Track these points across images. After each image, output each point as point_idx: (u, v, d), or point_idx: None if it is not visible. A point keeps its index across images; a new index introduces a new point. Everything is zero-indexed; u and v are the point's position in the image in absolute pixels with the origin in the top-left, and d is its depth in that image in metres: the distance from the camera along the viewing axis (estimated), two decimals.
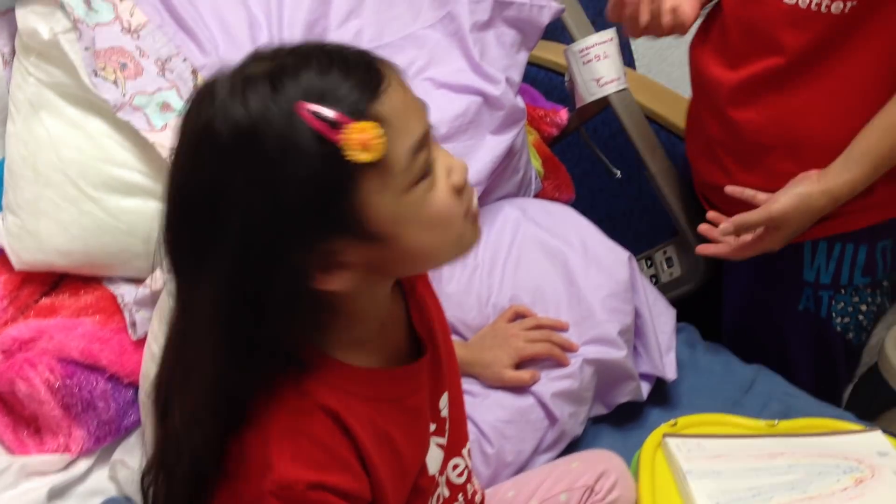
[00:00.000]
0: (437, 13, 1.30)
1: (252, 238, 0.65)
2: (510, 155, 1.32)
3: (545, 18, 1.33)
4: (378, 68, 0.69)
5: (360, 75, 0.67)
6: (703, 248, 1.23)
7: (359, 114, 0.65)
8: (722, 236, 1.19)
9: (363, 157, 0.65)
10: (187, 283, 0.70)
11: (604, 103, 1.40)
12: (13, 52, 1.13)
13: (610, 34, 1.38)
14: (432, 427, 0.82)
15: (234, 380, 0.70)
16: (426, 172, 0.70)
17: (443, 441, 0.84)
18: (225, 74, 0.68)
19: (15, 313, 1.09)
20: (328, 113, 0.64)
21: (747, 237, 1.17)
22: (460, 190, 0.73)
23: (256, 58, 0.69)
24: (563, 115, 1.50)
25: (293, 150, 0.64)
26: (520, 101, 1.31)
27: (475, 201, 0.76)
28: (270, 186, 0.65)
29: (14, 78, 1.12)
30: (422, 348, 0.82)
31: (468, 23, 1.28)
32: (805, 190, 1.13)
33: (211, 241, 0.66)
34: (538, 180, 1.43)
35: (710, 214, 1.22)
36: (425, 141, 0.70)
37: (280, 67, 0.67)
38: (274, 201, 0.65)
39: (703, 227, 1.22)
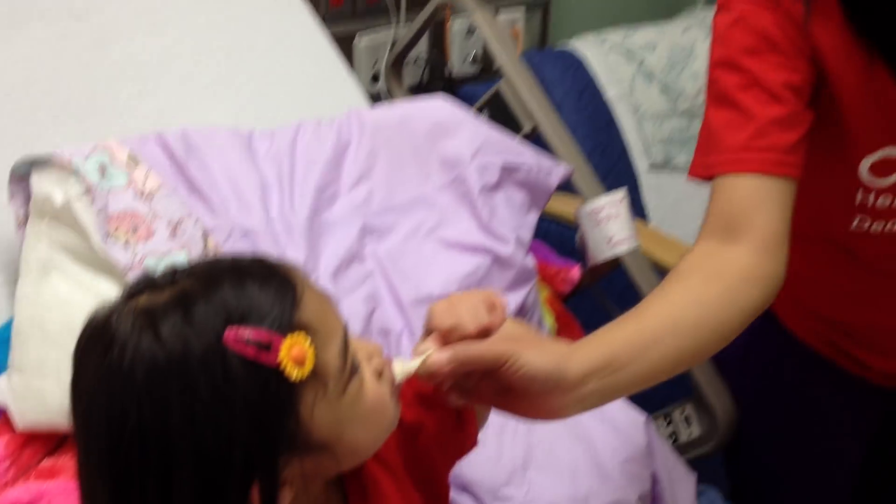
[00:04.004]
0: (446, 176, 1.31)
1: (196, 481, 0.60)
2: (521, 313, 1.30)
3: (554, 181, 1.34)
4: (286, 274, 0.66)
5: (275, 285, 0.64)
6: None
7: (286, 327, 0.62)
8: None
9: (299, 373, 0.62)
10: None
11: (616, 261, 1.40)
12: (27, 216, 1.15)
13: (620, 195, 1.39)
14: None
15: None
16: (354, 369, 0.68)
17: None
18: (117, 307, 0.63)
19: (16, 474, 1.06)
20: (258, 336, 0.60)
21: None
22: (381, 372, 0.71)
23: (149, 284, 0.64)
24: (576, 272, 1.50)
25: (225, 385, 0.60)
26: (530, 261, 1.31)
27: (392, 371, 0.73)
28: (205, 428, 0.59)
29: (27, 239, 1.13)
30: None
31: (477, 185, 1.29)
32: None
33: (157, 495, 0.61)
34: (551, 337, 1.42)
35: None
36: (347, 338, 0.68)
37: (185, 293, 0.62)
38: (212, 443, 0.60)
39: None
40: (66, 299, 1.09)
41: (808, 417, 1.31)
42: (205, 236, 1.16)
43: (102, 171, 1.14)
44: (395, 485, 0.81)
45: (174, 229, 1.15)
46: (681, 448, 1.36)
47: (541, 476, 1.14)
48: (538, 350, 0.76)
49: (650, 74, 2.21)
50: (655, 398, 1.48)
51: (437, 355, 0.75)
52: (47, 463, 1.05)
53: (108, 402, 0.61)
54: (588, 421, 1.21)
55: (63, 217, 1.11)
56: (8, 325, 1.13)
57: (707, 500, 1.29)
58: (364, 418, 0.68)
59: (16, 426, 1.07)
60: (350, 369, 0.67)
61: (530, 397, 0.77)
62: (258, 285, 0.63)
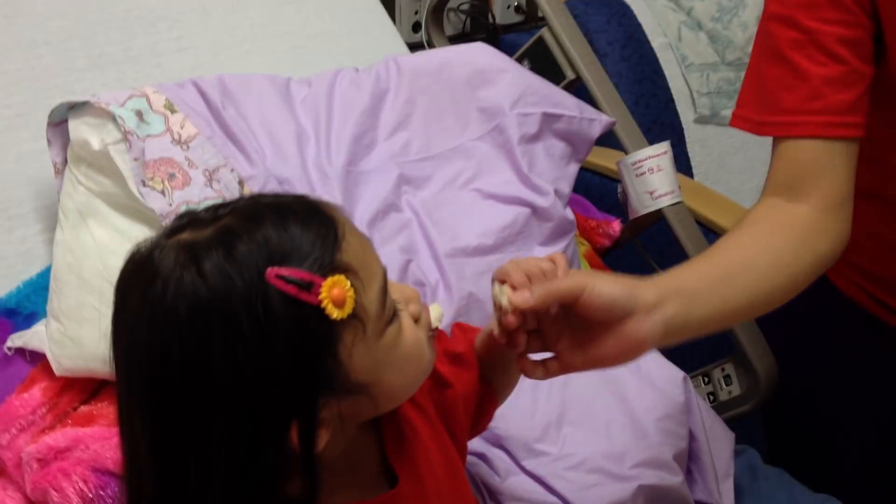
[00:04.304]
0: (485, 126, 1.29)
1: (235, 418, 0.61)
2: None
3: (595, 131, 1.31)
4: (328, 213, 0.65)
5: (316, 225, 0.64)
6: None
7: (327, 268, 0.62)
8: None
9: (339, 313, 0.62)
10: (171, 470, 0.63)
11: (658, 215, 1.37)
12: (65, 162, 1.15)
13: (664, 147, 1.36)
14: None
15: None
16: (393, 312, 0.67)
17: None
18: (159, 242, 0.64)
19: (53, 420, 1.07)
20: (299, 275, 0.61)
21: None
22: (419, 317, 0.71)
23: (192, 220, 0.65)
24: (616, 226, 1.47)
25: (266, 322, 0.60)
26: (569, 213, 1.29)
27: (429, 317, 0.74)
28: (246, 364, 0.60)
29: (64, 186, 1.14)
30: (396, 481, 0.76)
31: (516, 135, 1.27)
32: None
33: (196, 428, 0.61)
34: None
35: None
36: (386, 281, 0.67)
37: (228, 230, 0.62)
38: (253, 379, 0.60)
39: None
40: (102, 246, 1.09)
41: (846, 372, 1.28)
42: (240, 185, 1.15)
43: (140, 116, 1.14)
44: (431, 429, 0.81)
45: (210, 177, 1.14)
46: (719, 407, 1.34)
47: (575, 432, 1.13)
48: (610, 279, 0.78)
49: (698, 23, 2.15)
50: (694, 357, 1.46)
51: (519, 293, 0.75)
52: (84, 409, 1.06)
53: (149, 338, 0.62)
54: (625, 377, 1.19)
55: (100, 163, 1.11)
56: (47, 272, 1.14)
57: (745, 460, 1.27)
58: (401, 362, 0.68)
59: (54, 372, 1.07)
60: (389, 312, 0.67)
61: (613, 329, 0.78)
62: (300, 224, 0.63)
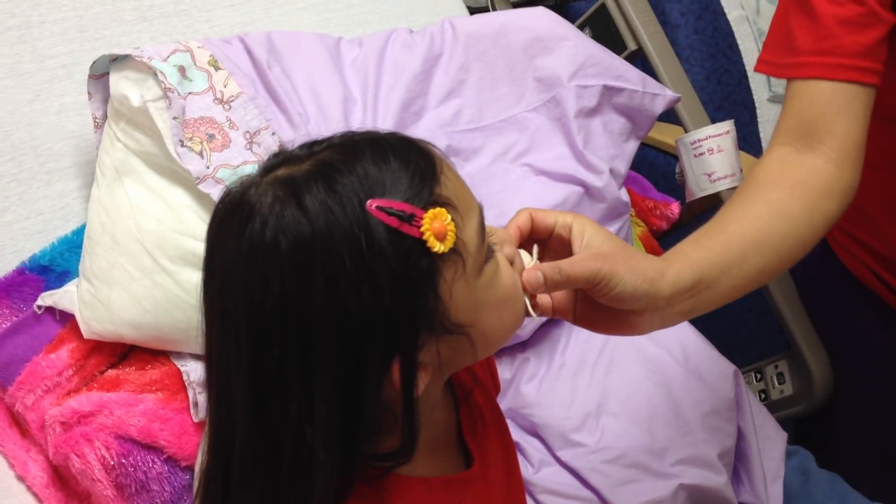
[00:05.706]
0: (541, 96, 1.23)
1: (337, 354, 0.59)
2: None
3: (658, 107, 1.24)
4: (425, 149, 0.64)
5: (415, 159, 0.62)
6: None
7: (427, 202, 0.61)
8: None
9: (441, 247, 0.60)
10: (270, 409, 0.62)
11: (715, 199, 1.30)
12: (106, 116, 1.12)
13: (727, 126, 1.28)
14: None
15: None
16: (490, 252, 0.66)
17: None
18: (254, 181, 0.62)
19: (79, 383, 1.06)
20: (401, 207, 0.59)
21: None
22: (513, 261, 0.70)
23: (287, 157, 0.63)
24: (675, 208, 1.41)
25: (370, 255, 0.58)
26: (624, 195, 1.22)
27: (522, 262, 0.72)
28: (348, 298, 0.58)
29: (102, 142, 1.11)
30: (471, 462, 0.75)
31: (573, 108, 1.20)
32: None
33: (297, 364, 0.60)
34: None
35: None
36: (483, 218, 0.66)
37: (327, 164, 0.60)
38: (355, 314, 0.58)
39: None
40: (137, 206, 1.06)
41: (854, 357, 1.24)
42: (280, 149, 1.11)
43: (182, 72, 1.10)
44: (496, 421, 0.81)
45: (250, 140, 1.10)
46: (770, 407, 1.28)
47: (615, 424, 1.08)
48: (631, 269, 0.73)
49: None
50: (750, 350, 1.39)
51: (531, 273, 0.72)
52: (111, 374, 1.05)
53: (248, 276, 0.60)
54: (671, 369, 1.14)
55: (139, 120, 1.08)
56: (82, 230, 1.12)
57: (797, 462, 1.21)
58: (499, 303, 0.67)
59: (83, 334, 1.05)
60: (487, 250, 0.67)
61: (616, 313, 0.75)
62: (399, 159, 0.62)
